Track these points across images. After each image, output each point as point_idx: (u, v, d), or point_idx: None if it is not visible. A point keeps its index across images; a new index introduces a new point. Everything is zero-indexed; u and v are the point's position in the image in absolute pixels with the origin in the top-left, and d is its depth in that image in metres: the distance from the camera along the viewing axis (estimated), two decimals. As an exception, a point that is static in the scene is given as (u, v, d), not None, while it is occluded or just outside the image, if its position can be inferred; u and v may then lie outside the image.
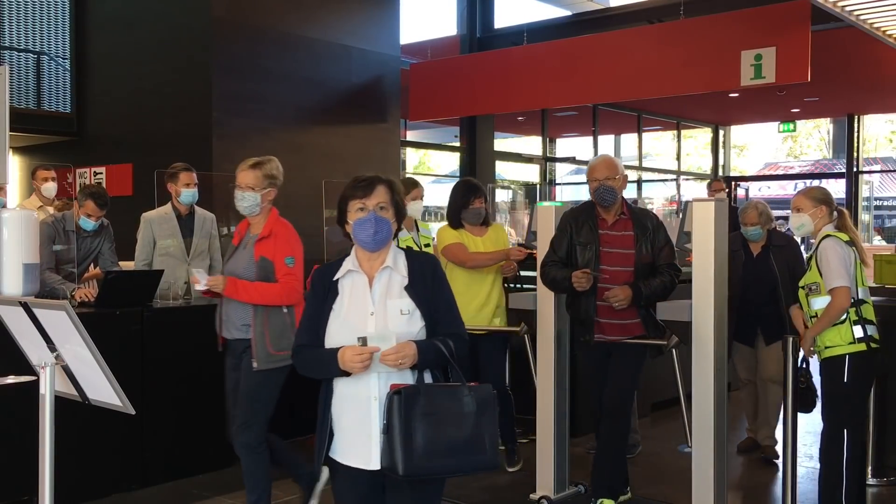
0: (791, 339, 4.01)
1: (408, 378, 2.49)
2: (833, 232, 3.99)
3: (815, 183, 24.35)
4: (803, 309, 4.09)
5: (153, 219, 5.45)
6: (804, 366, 4.40)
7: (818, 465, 5.19)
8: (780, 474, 4.95)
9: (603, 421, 4.20)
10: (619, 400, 4.15)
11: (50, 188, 6.30)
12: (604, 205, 4.13)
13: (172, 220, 5.45)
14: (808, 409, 4.53)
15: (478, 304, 5.00)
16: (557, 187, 16.22)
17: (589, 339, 4.15)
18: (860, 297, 3.92)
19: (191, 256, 5.47)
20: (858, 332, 3.88)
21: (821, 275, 3.90)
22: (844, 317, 3.86)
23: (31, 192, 6.81)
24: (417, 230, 5.28)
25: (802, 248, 4.37)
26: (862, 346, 3.87)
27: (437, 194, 13.44)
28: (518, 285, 5.61)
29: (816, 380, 4.11)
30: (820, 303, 3.93)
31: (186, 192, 5.43)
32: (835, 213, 4.09)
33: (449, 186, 5.44)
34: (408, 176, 5.67)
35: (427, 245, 5.32)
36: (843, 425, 3.91)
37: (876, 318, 3.98)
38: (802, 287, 4.05)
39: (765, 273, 5.31)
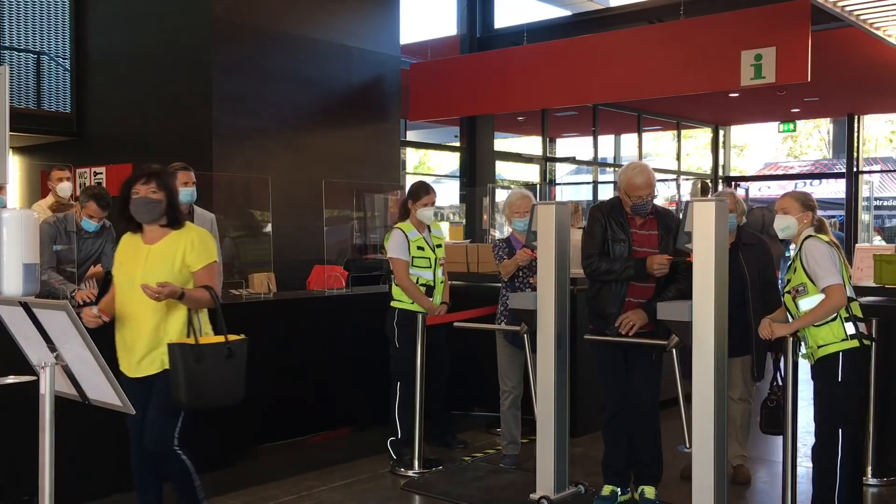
0: (791, 339, 4.00)
1: None
2: (814, 234, 3.99)
3: (815, 183, 24.43)
4: (791, 313, 4.03)
5: None
6: (779, 382, 4.39)
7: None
8: (780, 474, 4.95)
9: (642, 418, 4.37)
10: (651, 395, 4.37)
11: (65, 188, 6.30)
12: (640, 214, 4.34)
13: None
14: (777, 430, 4.47)
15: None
16: (557, 187, 16.22)
17: (613, 331, 4.29)
18: (849, 294, 3.92)
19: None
20: (850, 328, 3.87)
21: (808, 275, 3.89)
22: (835, 314, 3.86)
23: (39, 193, 6.80)
24: (429, 231, 5.32)
25: (791, 249, 4.32)
26: (855, 343, 3.87)
27: (438, 194, 13.45)
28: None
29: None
30: (809, 303, 3.91)
31: (184, 191, 5.41)
32: (815, 220, 4.09)
33: (449, 186, 5.46)
34: (421, 181, 5.65)
35: (439, 245, 5.36)
36: (838, 425, 3.91)
37: (864, 316, 3.98)
38: (788, 292, 4.01)
39: (733, 273, 4.48)
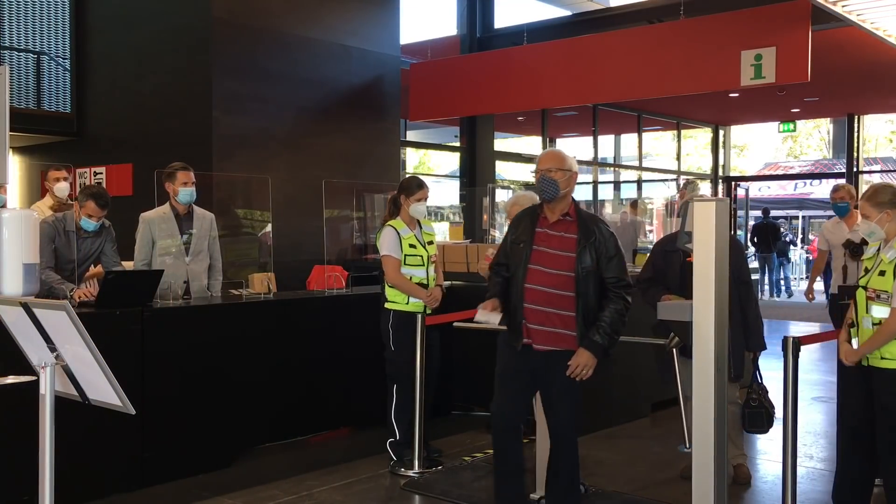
0: (791, 339, 4.00)
1: None
2: None
3: (815, 183, 24.33)
4: (857, 309, 3.86)
5: (152, 219, 5.44)
6: (758, 380, 4.35)
7: (818, 466, 5.19)
8: (780, 474, 4.95)
9: (554, 449, 3.94)
10: (564, 433, 3.87)
11: (63, 188, 6.30)
12: (544, 197, 3.84)
13: (171, 220, 5.44)
14: (761, 429, 4.43)
15: None
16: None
17: (517, 344, 3.83)
18: None
19: (190, 256, 5.48)
20: None
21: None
22: None
23: (39, 193, 6.80)
24: (420, 228, 5.26)
25: (884, 249, 3.89)
26: None
27: (438, 194, 13.45)
28: None
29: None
30: (884, 312, 3.73)
31: (184, 191, 5.42)
32: None
33: (449, 186, 5.44)
34: (413, 175, 5.58)
35: (430, 242, 5.29)
36: None
37: None
38: (865, 287, 3.84)
39: None
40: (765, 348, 4.74)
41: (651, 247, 6.75)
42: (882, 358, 3.76)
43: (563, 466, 3.89)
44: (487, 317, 3.91)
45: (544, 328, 3.82)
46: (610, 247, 3.83)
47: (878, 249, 3.90)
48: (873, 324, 3.79)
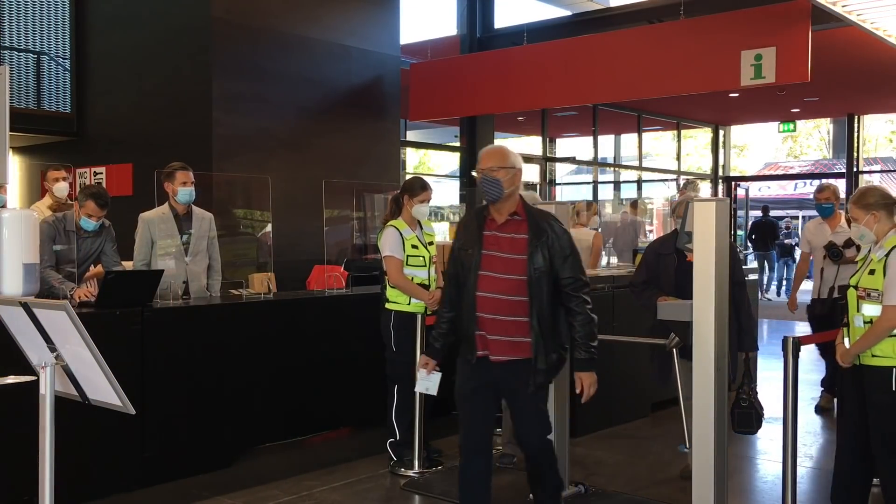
0: (791, 339, 4.00)
1: None
2: None
3: (815, 183, 24.27)
4: (849, 309, 3.89)
5: (151, 219, 5.44)
6: (750, 381, 4.35)
7: (818, 466, 5.19)
8: (780, 474, 4.95)
9: (530, 461, 3.76)
10: (537, 443, 3.67)
11: (62, 188, 6.30)
12: (488, 199, 3.59)
13: (170, 220, 5.45)
14: (750, 430, 4.42)
15: None
16: (557, 187, 16.23)
17: (471, 358, 3.56)
18: None
19: (189, 256, 5.47)
20: None
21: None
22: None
23: (39, 193, 6.80)
24: (421, 228, 5.25)
25: (873, 249, 3.93)
26: None
27: (438, 194, 13.45)
28: None
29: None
30: (875, 310, 3.76)
31: (183, 190, 5.42)
32: None
33: (449, 186, 5.43)
34: (417, 176, 5.56)
35: (431, 243, 5.29)
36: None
37: None
38: (855, 286, 3.87)
39: None
40: (757, 349, 4.74)
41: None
42: (873, 356, 3.78)
43: (545, 476, 3.74)
44: (427, 383, 3.83)
45: (500, 338, 3.53)
46: (564, 245, 3.56)
47: (870, 250, 3.94)
48: (865, 322, 3.81)
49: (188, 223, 5.50)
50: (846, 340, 3.91)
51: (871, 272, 3.80)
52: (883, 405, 3.78)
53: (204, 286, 5.57)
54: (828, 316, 6.18)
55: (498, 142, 14.60)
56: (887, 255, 3.75)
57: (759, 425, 4.46)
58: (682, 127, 18.06)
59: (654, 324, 4.78)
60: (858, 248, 5.36)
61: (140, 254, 5.42)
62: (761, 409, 4.47)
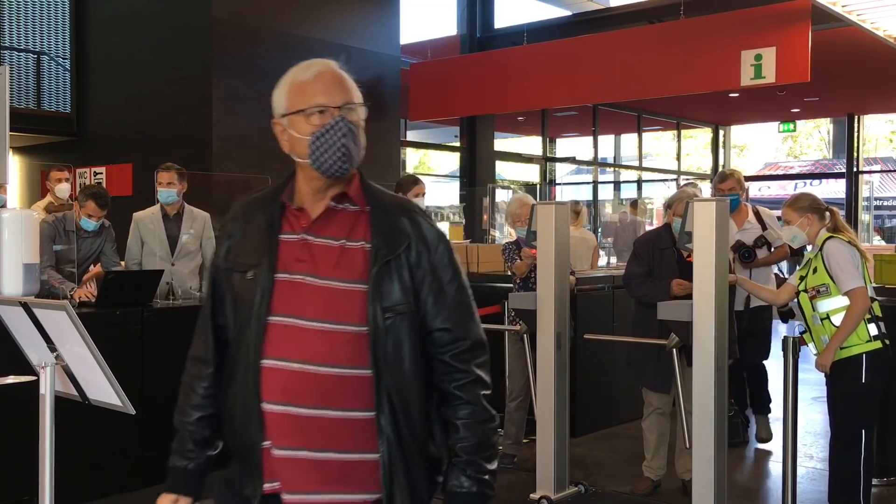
0: (791, 339, 4.00)
1: None
2: (832, 234, 3.98)
3: (815, 183, 24.40)
4: (803, 311, 4.03)
5: (141, 219, 5.48)
6: (738, 389, 4.36)
7: (818, 466, 5.19)
8: (780, 474, 4.95)
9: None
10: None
11: (64, 189, 6.31)
12: (326, 168, 1.84)
13: (158, 221, 5.45)
14: (736, 438, 4.41)
15: None
16: (557, 187, 16.23)
17: (251, 495, 1.76)
18: (870, 294, 3.89)
19: (175, 257, 5.45)
20: (874, 329, 3.86)
21: (830, 277, 3.87)
22: None
23: (39, 193, 6.80)
24: None
25: (808, 249, 4.32)
26: (878, 344, 3.86)
27: (438, 194, 13.45)
28: None
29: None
30: (830, 304, 3.88)
31: (161, 191, 5.44)
32: (826, 213, 4.06)
33: (449, 186, 5.45)
34: (408, 173, 5.61)
35: None
36: (861, 426, 3.88)
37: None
38: (805, 290, 3.99)
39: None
40: (738, 357, 4.65)
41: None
42: (842, 348, 3.87)
43: None
44: None
45: (308, 454, 1.71)
46: (441, 262, 1.79)
47: (806, 253, 4.15)
48: (822, 319, 3.92)
49: (177, 224, 5.48)
50: (811, 345, 4.00)
51: (815, 270, 3.95)
52: (846, 393, 3.91)
53: (190, 287, 5.44)
54: (750, 332, 5.34)
55: (498, 142, 14.59)
56: (820, 249, 3.94)
57: (745, 434, 4.46)
58: (682, 127, 18.06)
59: (633, 323, 4.75)
60: (770, 248, 5.37)
61: (131, 253, 5.44)
62: (747, 419, 4.47)
